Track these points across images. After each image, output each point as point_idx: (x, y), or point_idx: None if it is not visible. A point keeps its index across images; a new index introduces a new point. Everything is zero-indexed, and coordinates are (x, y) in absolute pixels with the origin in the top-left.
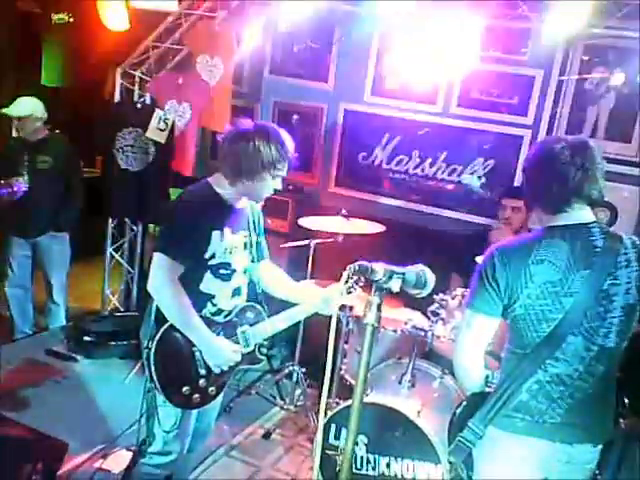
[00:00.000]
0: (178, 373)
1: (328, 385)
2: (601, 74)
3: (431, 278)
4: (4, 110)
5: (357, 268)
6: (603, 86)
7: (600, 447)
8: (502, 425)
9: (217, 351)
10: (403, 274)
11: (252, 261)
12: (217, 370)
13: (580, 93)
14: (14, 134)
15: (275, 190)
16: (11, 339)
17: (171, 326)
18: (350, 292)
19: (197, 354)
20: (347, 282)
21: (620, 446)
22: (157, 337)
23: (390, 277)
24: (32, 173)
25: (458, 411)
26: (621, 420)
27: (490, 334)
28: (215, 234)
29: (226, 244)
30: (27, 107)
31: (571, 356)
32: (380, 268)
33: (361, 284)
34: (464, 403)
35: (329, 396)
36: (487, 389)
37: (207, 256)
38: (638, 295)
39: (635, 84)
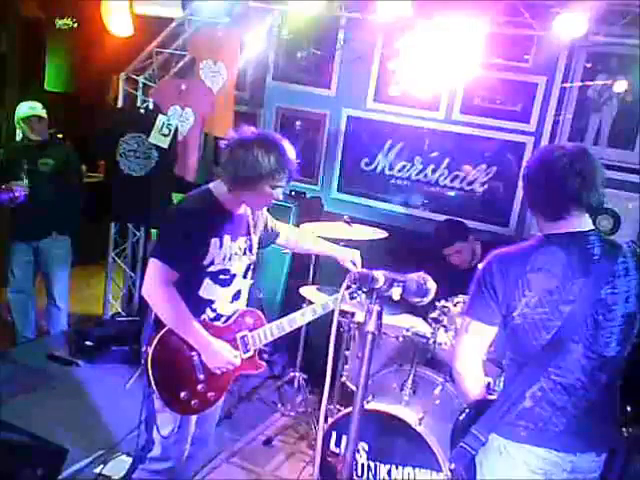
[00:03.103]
0: (176, 378)
1: (329, 392)
2: (604, 81)
3: (432, 286)
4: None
5: (357, 276)
6: (606, 93)
7: (604, 456)
8: (505, 433)
9: (216, 353)
10: (404, 282)
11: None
12: (218, 372)
13: (583, 100)
14: (17, 137)
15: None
16: (13, 344)
17: (169, 330)
18: (354, 298)
19: (195, 359)
20: (349, 288)
21: (623, 454)
22: (155, 341)
23: (391, 285)
24: (33, 176)
25: (461, 417)
26: (624, 429)
27: (488, 342)
28: (214, 241)
29: (225, 251)
30: (42, 108)
31: (573, 364)
32: (381, 276)
33: (365, 290)
34: (467, 409)
35: (330, 403)
36: (489, 396)
37: (206, 263)
38: (638, 304)
39: (638, 91)
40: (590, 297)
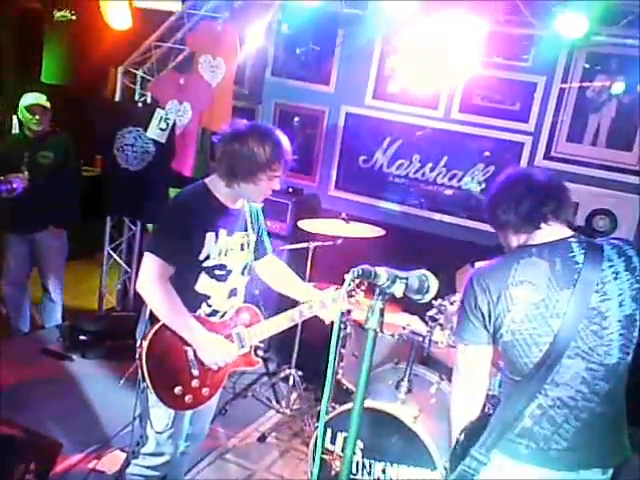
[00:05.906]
0: (170, 373)
1: (323, 389)
2: (603, 82)
3: (434, 283)
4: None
5: (360, 272)
6: (605, 94)
7: (610, 472)
8: (506, 450)
9: (211, 349)
10: (406, 279)
11: (255, 259)
12: (214, 367)
13: (582, 101)
14: (15, 130)
15: (273, 191)
16: (7, 337)
17: (164, 325)
18: (352, 296)
19: (190, 354)
20: (349, 285)
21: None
22: (149, 336)
23: (393, 282)
24: (32, 168)
25: (460, 438)
26: None
27: (487, 359)
28: (209, 236)
29: (221, 246)
30: (45, 99)
31: (571, 379)
32: (383, 272)
33: (363, 288)
34: (464, 430)
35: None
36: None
37: (201, 257)
38: (635, 304)
39: (636, 92)
40: (580, 308)
